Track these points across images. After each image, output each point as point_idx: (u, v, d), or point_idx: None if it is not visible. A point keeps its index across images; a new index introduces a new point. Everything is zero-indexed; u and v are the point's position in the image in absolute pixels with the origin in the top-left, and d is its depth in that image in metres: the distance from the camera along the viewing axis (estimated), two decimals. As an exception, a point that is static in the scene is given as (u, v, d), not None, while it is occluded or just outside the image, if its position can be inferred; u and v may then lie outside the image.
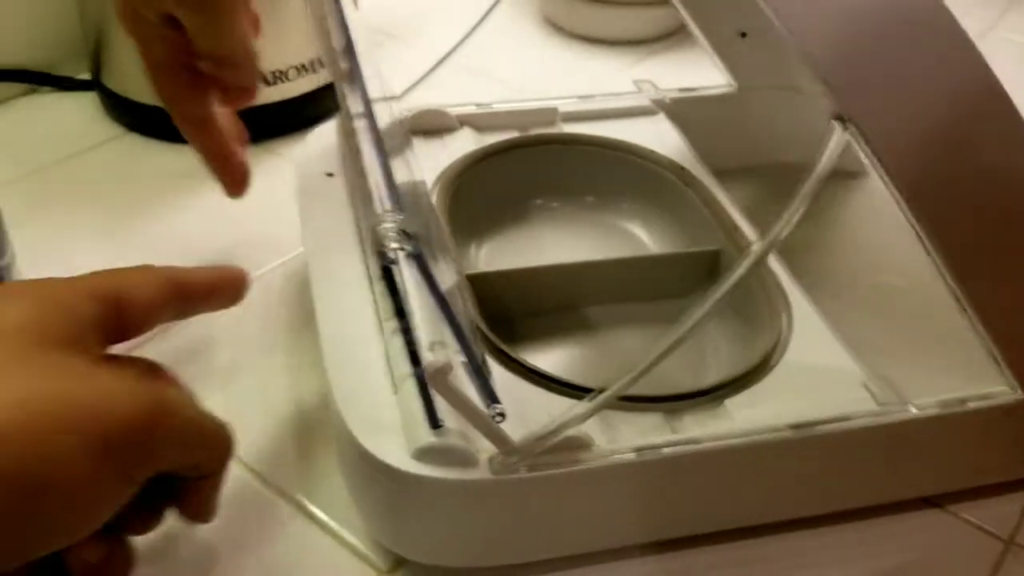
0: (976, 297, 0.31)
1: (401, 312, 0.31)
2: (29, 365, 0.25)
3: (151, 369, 0.32)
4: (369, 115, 0.38)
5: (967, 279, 0.29)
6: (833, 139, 0.27)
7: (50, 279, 0.30)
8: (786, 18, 0.27)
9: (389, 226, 0.30)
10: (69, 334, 0.27)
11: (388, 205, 0.32)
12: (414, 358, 0.32)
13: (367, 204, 0.33)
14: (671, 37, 0.71)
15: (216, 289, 0.35)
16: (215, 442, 0.30)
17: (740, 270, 0.27)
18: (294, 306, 0.46)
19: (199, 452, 0.30)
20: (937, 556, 0.36)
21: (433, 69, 0.48)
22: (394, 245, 0.30)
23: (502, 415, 0.29)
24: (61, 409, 0.24)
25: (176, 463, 0.29)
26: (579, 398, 0.34)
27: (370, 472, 0.31)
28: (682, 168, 0.47)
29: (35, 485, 0.24)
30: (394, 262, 0.31)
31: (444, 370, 0.27)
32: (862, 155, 0.27)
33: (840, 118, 0.27)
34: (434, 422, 0.30)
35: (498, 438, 0.29)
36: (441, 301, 0.30)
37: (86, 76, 0.60)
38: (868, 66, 0.27)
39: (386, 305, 0.36)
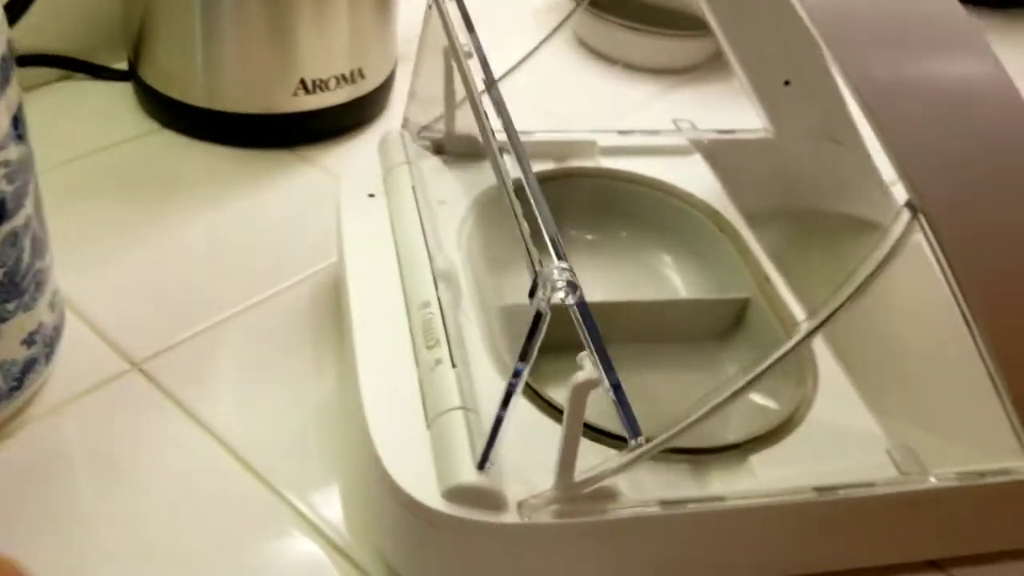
0: (1018, 383, 0.31)
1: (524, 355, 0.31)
2: None
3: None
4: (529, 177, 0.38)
5: (1011, 369, 0.30)
6: (899, 226, 0.28)
7: None
8: (877, 106, 0.27)
9: (556, 275, 0.31)
10: None
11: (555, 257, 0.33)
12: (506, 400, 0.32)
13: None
14: (707, 66, 0.71)
15: None
16: None
17: (789, 346, 0.28)
18: (320, 316, 0.46)
19: None
20: (940, 620, 0.37)
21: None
22: (560, 294, 0.31)
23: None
24: None
25: None
26: (605, 442, 0.35)
27: (400, 507, 0.32)
28: (717, 212, 0.48)
29: None
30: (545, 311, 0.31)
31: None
32: (926, 246, 0.28)
33: (912, 206, 0.28)
34: (483, 462, 0.31)
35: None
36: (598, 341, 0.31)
37: (122, 65, 0.60)
38: (948, 162, 0.27)
39: (428, 335, 0.36)
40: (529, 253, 0.32)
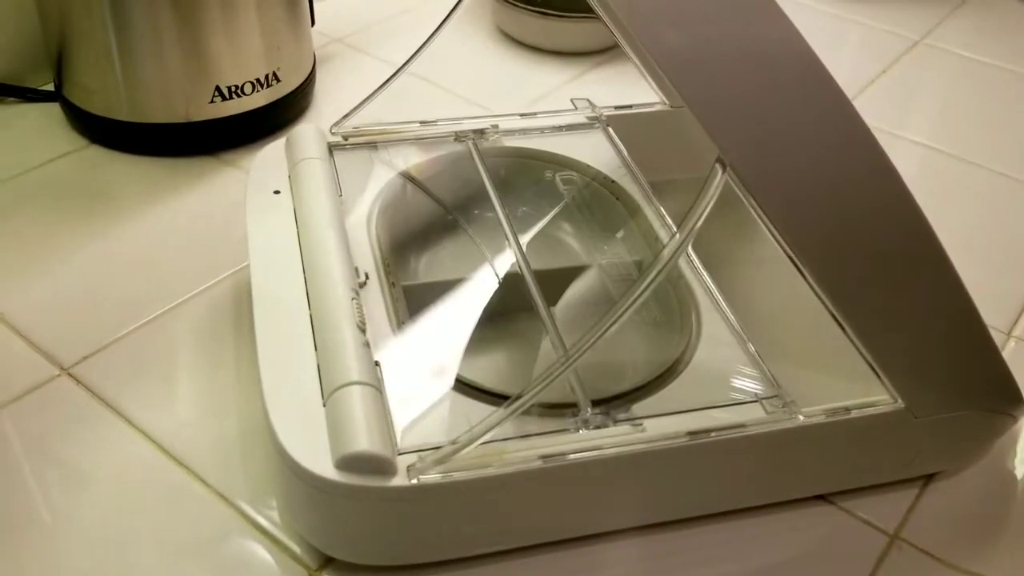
0: (854, 318, 0.33)
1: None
2: None
3: None
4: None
5: (846, 304, 0.32)
6: (715, 180, 0.30)
7: None
8: (674, 74, 0.30)
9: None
10: None
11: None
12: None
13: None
14: (618, 48, 0.73)
15: None
16: None
17: (620, 311, 0.30)
18: (241, 311, 0.48)
19: None
20: (827, 549, 0.39)
21: (377, 91, 0.50)
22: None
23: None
24: None
25: None
26: (488, 401, 0.38)
27: (298, 480, 0.34)
28: (612, 181, 0.50)
29: None
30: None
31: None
32: (739, 193, 0.30)
33: (720, 161, 0.30)
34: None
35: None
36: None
37: (50, 87, 0.62)
38: (745, 116, 0.30)
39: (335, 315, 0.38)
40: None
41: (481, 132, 0.52)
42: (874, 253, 0.33)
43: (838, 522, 0.40)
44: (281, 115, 0.61)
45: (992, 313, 0.52)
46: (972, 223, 0.59)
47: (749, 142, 0.29)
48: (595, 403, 0.38)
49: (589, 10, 0.71)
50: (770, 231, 0.31)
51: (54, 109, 0.62)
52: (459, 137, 0.51)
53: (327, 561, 0.37)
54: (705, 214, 0.30)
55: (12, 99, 0.62)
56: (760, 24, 0.30)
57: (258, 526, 0.39)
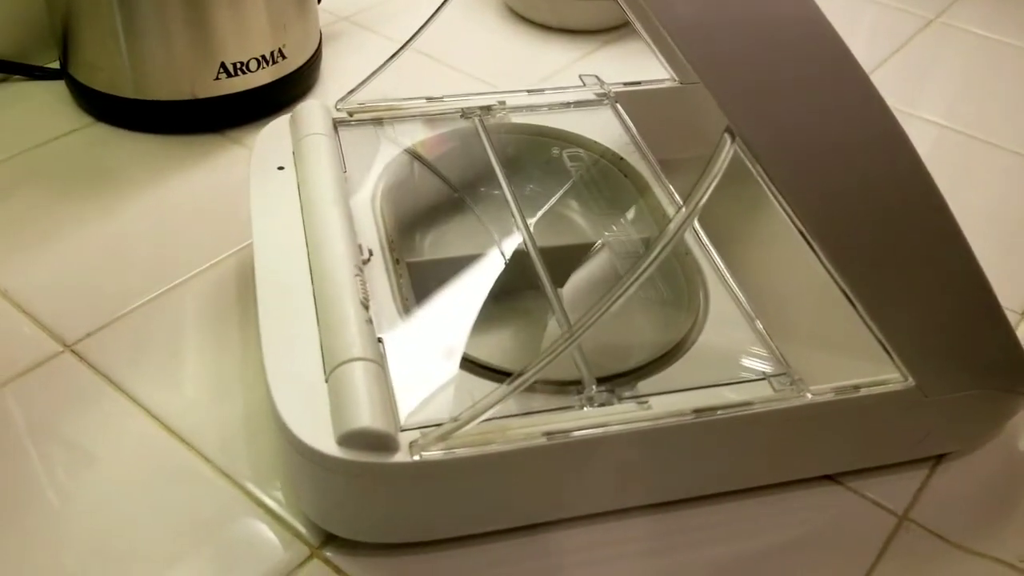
0: (865, 294, 0.33)
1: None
2: None
3: None
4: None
5: (857, 281, 0.32)
6: (723, 150, 0.30)
7: None
8: (683, 41, 0.29)
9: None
10: None
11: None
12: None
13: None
14: (630, 25, 0.72)
15: None
16: None
17: (625, 288, 0.30)
18: (246, 288, 0.48)
19: None
20: (835, 529, 0.39)
21: (383, 66, 0.49)
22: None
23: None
24: None
25: None
26: (491, 378, 0.37)
27: (300, 456, 0.34)
28: (621, 158, 0.49)
29: None
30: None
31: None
32: (749, 164, 0.30)
33: (729, 131, 0.29)
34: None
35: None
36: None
37: (55, 64, 0.62)
38: (756, 85, 0.29)
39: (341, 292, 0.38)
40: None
41: (488, 109, 0.51)
42: (887, 228, 0.32)
43: (847, 502, 0.40)
44: (287, 92, 0.60)
45: (1006, 294, 0.50)
46: (987, 202, 0.58)
47: (759, 111, 0.29)
48: (600, 380, 0.37)
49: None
50: (780, 204, 0.30)
51: (59, 87, 0.61)
52: (465, 114, 0.51)
53: (329, 539, 0.37)
54: (713, 186, 0.29)
55: (18, 77, 0.62)
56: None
57: (262, 504, 0.38)
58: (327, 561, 0.37)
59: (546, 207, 0.49)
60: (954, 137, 0.64)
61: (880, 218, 0.32)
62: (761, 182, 0.30)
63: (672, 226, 0.31)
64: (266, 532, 0.38)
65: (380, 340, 0.37)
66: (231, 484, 0.39)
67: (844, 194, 0.30)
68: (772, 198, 0.31)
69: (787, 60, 0.29)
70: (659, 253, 0.31)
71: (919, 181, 0.31)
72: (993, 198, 0.59)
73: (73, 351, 0.45)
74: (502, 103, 0.52)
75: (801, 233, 0.31)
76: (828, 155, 0.30)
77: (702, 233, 0.44)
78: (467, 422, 0.33)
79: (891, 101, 0.72)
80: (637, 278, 0.31)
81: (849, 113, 0.30)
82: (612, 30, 0.72)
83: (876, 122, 0.31)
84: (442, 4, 0.50)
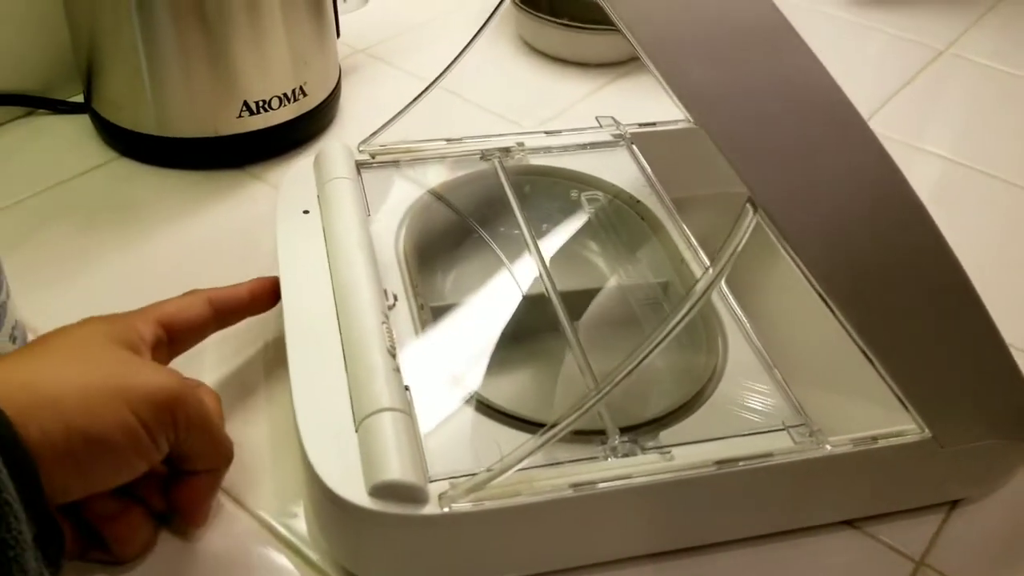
0: (882, 352, 0.34)
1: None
2: (98, 351, 0.35)
3: (199, 385, 0.41)
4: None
5: (873, 339, 0.33)
6: (746, 220, 0.30)
7: (121, 313, 0.39)
8: (703, 117, 0.30)
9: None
10: (129, 341, 0.37)
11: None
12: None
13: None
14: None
15: (248, 300, 0.44)
16: (218, 441, 0.38)
17: (652, 345, 0.31)
18: (274, 333, 0.49)
19: (205, 440, 0.37)
20: (853, 574, 0.39)
21: (406, 109, 0.50)
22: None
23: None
24: (116, 379, 0.34)
25: (186, 444, 0.36)
26: (528, 430, 0.38)
27: (331, 505, 0.35)
28: (637, 201, 0.50)
29: (92, 438, 0.32)
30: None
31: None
32: (770, 233, 0.30)
33: (751, 202, 0.30)
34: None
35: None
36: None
37: (80, 98, 0.63)
38: (776, 157, 0.30)
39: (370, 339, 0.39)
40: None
41: (507, 150, 0.52)
42: (903, 289, 0.33)
43: (864, 547, 0.40)
44: (307, 128, 0.61)
45: (1015, 331, 0.51)
46: (995, 238, 0.59)
47: (780, 183, 0.30)
48: (623, 430, 0.38)
49: (612, 22, 0.71)
50: (799, 268, 0.31)
51: (84, 121, 0.62)
52: (485, 155, 0.52)
53: (357, 583, 0.38)
54: (737, 252, 0.30)
55: (42, 111, 0.63)
56: (787, 62, 0.30)
57: (286, 541, 0.39)
58: (355, 605, 0.37)
59: (565, 249, 0.50)
60: (961, 171, 0.65)
61: (897, 281, 0.33)
62: (781, 249, 0.31)
63: (699, 287, 0.32)
64: (289, 567, 0.38)
65: (407, 388, 0.38)
66: (253, 519, 0.40)
67: (861, 260, 0.31)
68: (791, 262, 0.32)
69: (805, 131, 0.30)
70: (685, 314, 0.31)
71: (932, 243, 0.32)
72: (1001, 233, 0.60)
73: (103, 392, 0.45)
74: (520, 144, 0.53)
75: (820, 295, 0.32)
76: (846, 222, 0.31)
77: (721, 282, 0.45)
78: (497, 475, 0.34)
79: (899, 134, 0.73)
80: (664, 337, 0.32)
81: (864, 182, 0.31)
82: (625, 63, 0.73)
83: (889, 188, 0.31)
84: (463, 49, 0.51)
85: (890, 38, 0.80)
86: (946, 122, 0.71)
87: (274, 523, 0.40)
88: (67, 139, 0.62)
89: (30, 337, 0.46)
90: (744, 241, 0.30)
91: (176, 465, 0.37)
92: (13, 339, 0.43)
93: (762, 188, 0.29)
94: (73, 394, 0.32)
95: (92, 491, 0.34)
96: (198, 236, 0.55)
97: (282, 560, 0.39)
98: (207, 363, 0.47)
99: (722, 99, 0.29)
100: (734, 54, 0.30)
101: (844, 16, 0.83)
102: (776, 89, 0.29)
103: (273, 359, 0.47)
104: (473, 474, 0.35)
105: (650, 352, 0.33)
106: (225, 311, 0.42)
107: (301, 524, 0.40)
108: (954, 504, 0.42)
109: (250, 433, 0.43)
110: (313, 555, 0.39)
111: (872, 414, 0.39)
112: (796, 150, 0.30)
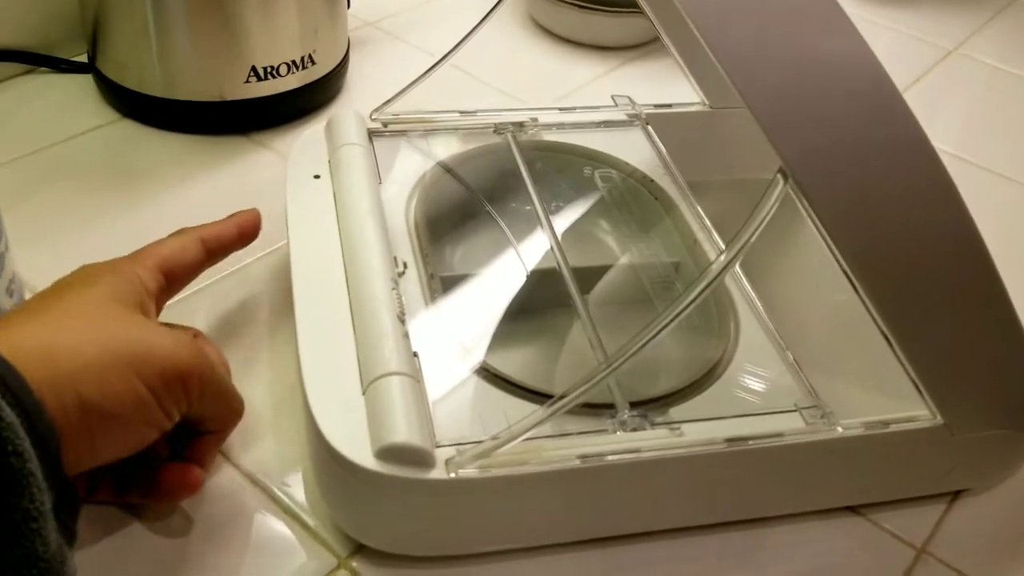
0: (902, 333, 0.33)
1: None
2: (111, 319, 0.34)
3: (196, 335, 0.42)
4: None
5: (895, 320, 0.32)
6: (776, 190, 0.30)
7: (118, 260, 0.39)
8: (741, 82, 0.29)
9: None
10: (137, 300, 0.36)
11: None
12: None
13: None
14: (657, 42, 0.73)
15: (236, 236, 0.43)
16: (230, 400, 0.38)
17: (668, 319, 0.30)
18: (278, 296, 0.48)
19: (218, 404, 0.37)
20: (854, 561, 0.39)
21: (420, 79, 0.50)
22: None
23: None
24: (129, 352, 0.33)
25: (199, 410, 0.36)
26: (536, 401, 0.38)
27: (336, 467, 0.34)
28: (651, 180, 0.50)
29: (107, 413, 0.32)
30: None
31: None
32: (800, 206, 0.30)
33: (783, 172, 0.30)
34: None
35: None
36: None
37: (83, 58, 0.62)
38: (812, 128, 0.30)
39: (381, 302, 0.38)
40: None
41: (520, 125, 0.52)
42: (929, 271, 0.33)
43: (866, 534, 0.40)
44: (314, 97, 0.60)
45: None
46: (1000, 236, 0.59)
47: (815, 155, 0.29)
48: (633, 405, 0.38)
49: (625, 3, 0.71)
50: (826, 242, 0.31)
51: (86, 80, 0.61)
52: (498, 129, 0.51)
53: (358, 548, 0.37)
54: (762, 227, 0.30)
55: (44, 69, 0.62)
56: (827, 32, 0.29)
57: (287, 508, 0.39)
58: (355, 572, 0.37)
59: (576, 225, 0.50)
60: (966, 169, 0.65)
61: (922, 259, 0.33)
62: (809, 221, 0.31)
63: (716, 266, 0.31)
64: (292, 539, 0.38)
65: (415, 354, 0.38)
66: (254, 485, 0.39)
67: (891, 238, 0.31)
68: (816, 235, 0.32)
69: (841, 102, 0.30)
70: (702, 291, 0.31)
71: (962, 225, 0.32)
72: (1006, 231, 0.60)
73: (101, 350, 0.45)
74: (534, 120, 0.52)
75: (843, 270, 0.32)
76: (878, 198, 0.30)
77: (742, 257, 0.44)
78: (505, 442, 0.34)
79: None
80: (679, 313, 0.32)
81: (900, 158, 0.31)
82: (638, 47, 0.72)
83: (925, 168, 0.31)
84: (482, 20, 0.51)
85: (900, 36, 0.80)
86: (953, 121, 0.71)
87: (273, 487, 0.39)
88: (69, 98, 0.60)
89: (27, 294, 0.45)
90: (772, 212, 0.30)
91: (186, 425, 0.37)
92: (10, 293, 0.42)
93: (796, 158, 0.29)
94: (91, 367, 0.31)
95: (102, 462, 0.33)
96: (200, 201, 0.54)
97: (279, 526, 0.38)
98: (213, 330, 0.46)
99: (763, 62, 0.29)
100: (777, 21, 0.29)
101: (856, 12, 0.83)
102: (817, 61, 0.29)
103: (277, 321, 0.47)
104: (480, 441, 0.34)
105: (665, 327, 0.32)
106: (216, 248, 0.42)
107: (299, 490, 0.39)
108: (957, 494, 0.42)
109: (251, 395, 0.43)
110: (311, 520, 0.38)
111: (883, 400, 0.38)
112: (832, 123, 0.29)
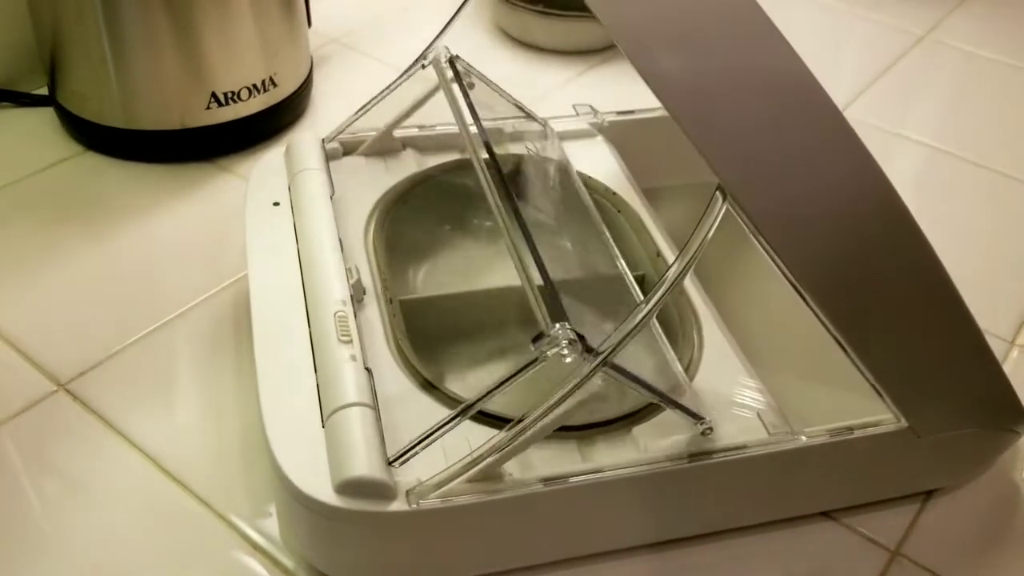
0: (856, 341, 0.33)
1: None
2: None
3: None
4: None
5: (846, 328, 0.32)
6: (716, 208, 0.30)
7: None
8: (674, 106, 0.29)
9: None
10: None
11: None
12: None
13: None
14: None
15: None
16: None
17: (626, 331, 0.30)
18: (244, 327, 0.48)
19: None
20: (829, 565, 0.39)
21: (377, 99, 0.49)
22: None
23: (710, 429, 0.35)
24: None
25: None
26: (497, 426, 0.37)
27: (297, 503, 0.34)
28: (614, 193, 0.49)
29: None
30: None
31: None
32: (741, 223, 0.30)
33: (722, 190, 0.30)
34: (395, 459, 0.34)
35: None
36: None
37: (44, 91, 0.61)
38: (745, 145, 0.29)
39: (341, 331, 0.38)
40: (539, 307, 0.35)
41: (455, 59, 0.51)
42: (876, 278, 0.32)
43: (840, 538, 0.40)
44: (278, 120, 0.60)
45: (996, 320, 0.51)
46: (976, 225, 0.59)
47: (750, 172, 0.29)
48: (592, 426, 0.37)
49: (589, 9, 0.70)
50: (771, 257, 0.31)
51: (48, 114, 0.61)
52: (457, 144, 0.51)
53: (327, 583, 0.37)
54: (706, 241, 0.29)
55: (6, 103, 0.62)
56: (759, 49, 0.29)
57: (256, 545, 0.38)
58: (325, 606, 0.37)
59: (541, 241, 0.49)
60: (943, 158, 0.65)
61: (869, 270, 0.32)
62: (752, 237, 0.30)
63: (669, 274, 0.31)
64: (260, 571, 0.38)
65: (373, 382, 0.38)
66: (224, 523, 0.39)
67: (833, 248, 0.31)
68: (763, 251, 0.32)
69: (776, 119, 0.29)
70: (650, 311, 0.31)
71: (905, 231, 0.32)
72: (982, 220, 0.59)
73: (67, 390, 0.44)
74: (498, 130, 0.52)
75: (791, 284, 0.31)
76: (818, 210, 0.30)
77: (692, 272, 0.44)
78: (464, 470, 0.33)
79: (879, 121, 0.73)
80: (632, 332, 0.31)
81: (836, 170, 0.30)
82: (603, 51, 0.72)
83: (862, 175, 0.31)
84: (439, 34, 0.50)
85: (871, 24, 0.80)
86: (928, 108, 0.70)
87: (246, 528, 0.39)
88: (31, 133, 0.60)
89: (-8, 335, 0.45)
90: (714, 229, 0.29)
91: None
92: (-27, 337, 0.42)
93: (731, 176, 0.29)
94: None
95: None
96: (166, 230, 0.53)
97: (254, 566, 0.38)
98: (180, 363, 0.46)
99: (692, 87, 0.28)
100: (706, 42, 0.29)
101: (824, 2, 0.82)
102: (747, 76, 0.29)
103: (244, 352, 0.47)
104: (442, 471, 0.34)
105: (622, 344, 0.32)
106: None
107: (274, 527, 0.39)
108: (929, 494, 0.42)
109: (222, 435, 0.43)
110: (288, 561, 0.38)
111: (849, 404, 0.38)
112: (766, 138, 0.29)
